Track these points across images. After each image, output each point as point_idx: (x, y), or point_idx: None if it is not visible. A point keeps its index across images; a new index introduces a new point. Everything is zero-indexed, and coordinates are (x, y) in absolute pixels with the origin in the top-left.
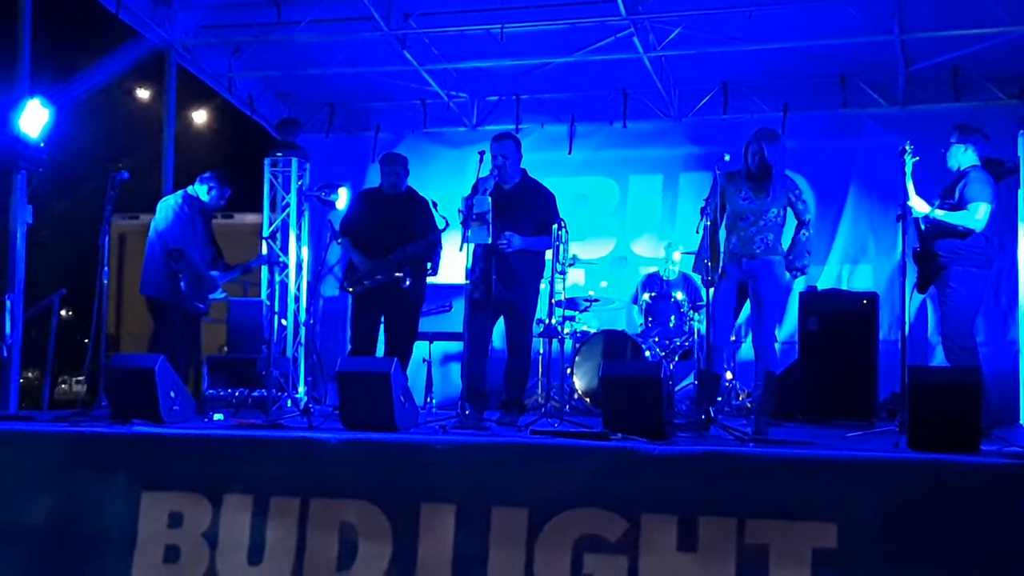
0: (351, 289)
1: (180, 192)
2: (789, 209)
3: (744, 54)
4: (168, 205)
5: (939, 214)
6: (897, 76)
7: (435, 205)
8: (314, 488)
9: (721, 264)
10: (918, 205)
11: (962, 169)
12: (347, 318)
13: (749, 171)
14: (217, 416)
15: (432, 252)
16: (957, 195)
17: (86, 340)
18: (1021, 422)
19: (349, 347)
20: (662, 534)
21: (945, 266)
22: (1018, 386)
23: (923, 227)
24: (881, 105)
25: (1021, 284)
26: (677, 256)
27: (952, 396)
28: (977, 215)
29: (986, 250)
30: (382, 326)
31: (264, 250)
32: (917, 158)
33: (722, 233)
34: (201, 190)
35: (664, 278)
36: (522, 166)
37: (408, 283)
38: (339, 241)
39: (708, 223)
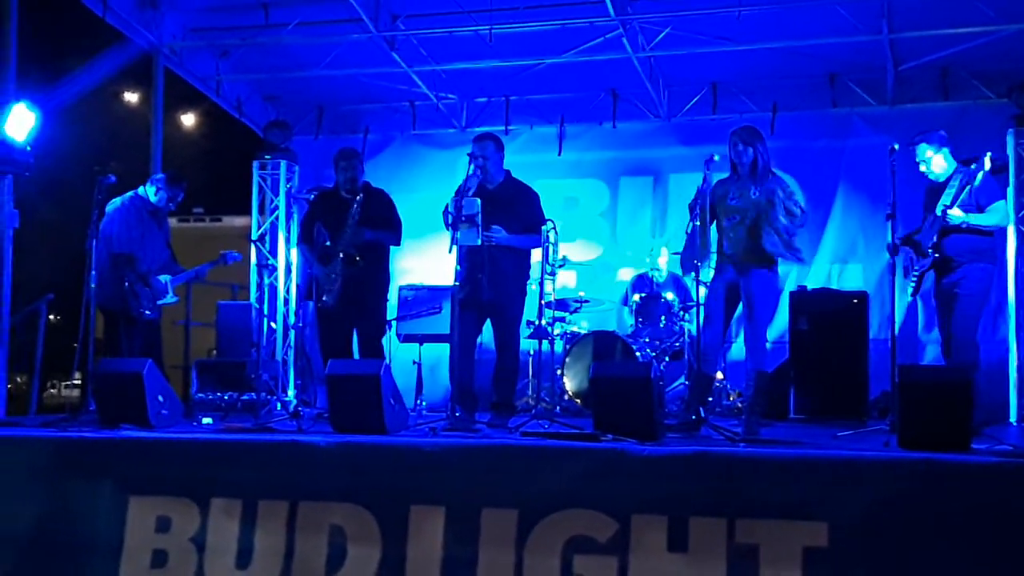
0: (318, 303)
1: (129, 193)
2: (781, 209)
3: (733, 54)
4: (116, 207)
5: (975, 219)
6: (886, 75)
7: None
8: (303, 491)
9: (713, 264)
10: (958, 215)
11: (950, 173)
12: None
13: (736, 171)
14: (206, 420)
15: (385, 234)
16: (973, 199)
17: (75, 345)
18: (1011, 420)
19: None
20: (652, 535)
21: (962, 263)
22: (1008, 384)
23: (933, 238)
24: (870, 104)
25: (1011, 282)
26: (663, 261)
27: (942, 394)
28: (1004, 212)
29: (994, 246)
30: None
31: (252, 254)
32: (987, 169)
33: (713, 235)
34: (150, 191)
35: (654, 279)
36: (511, 167)
37: (362, 266)
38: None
39: (698, 223)
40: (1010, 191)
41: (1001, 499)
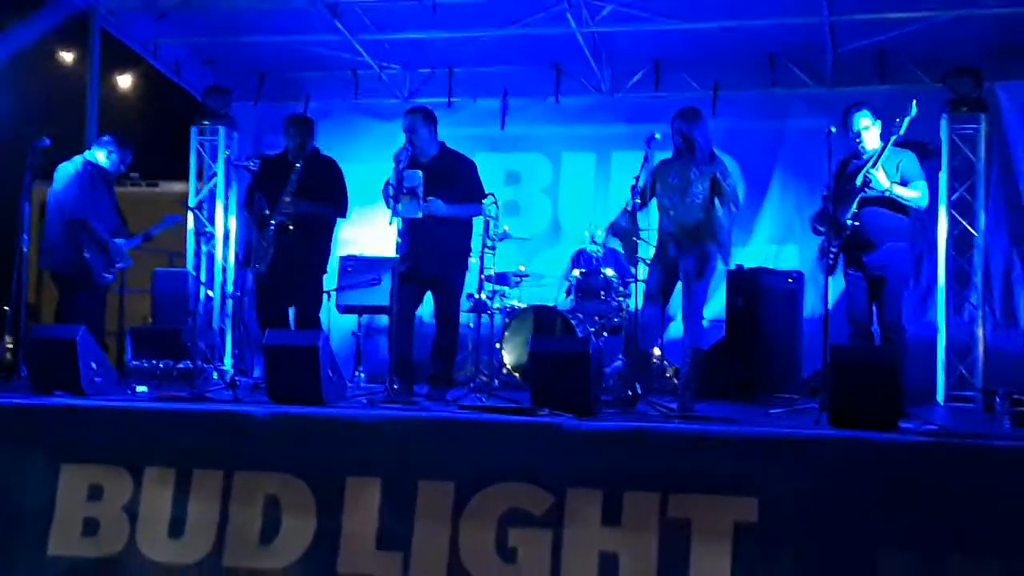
0: (253, 270)
1: (79, 158)
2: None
3: (676, 32)
4: (67, 172)
5: (897, 190)
6: (825, 57)
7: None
8: (238, 461)
9: (653, 242)
10: (882, 179)
11: (878, 148)
12: None
13: (676, 151)
14: (140, 388)
15: (325, 206)
16: (898, 172)
17: (5, 308)
18: (939, 400)
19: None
20: (587, 508)
21: (883, 242)
22: (935, 366)
23: (851, 209)
24: (809, 85)
25: (941, 266)
26: (600, 235)
27: (872, 375)
28: (925, 193)
29: (911, 226)
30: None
31: (190, 221)
32: (912, 115)
33: (654, 214)
34: (100, 154)
35: (593, 254)
36: (454, 140)
37: (292, 228)
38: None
39: (637, 201)
40: (943, 176)
41: (927, 477)
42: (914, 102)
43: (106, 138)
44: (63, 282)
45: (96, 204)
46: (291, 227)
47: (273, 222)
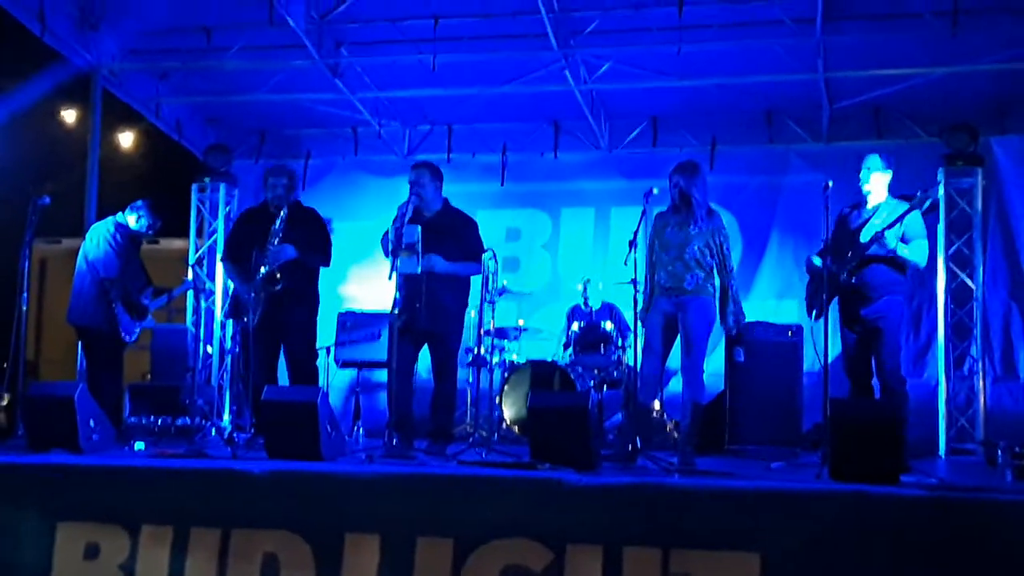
0: (239, 323)
1: (111, 220)
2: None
3: (673, 89)
4: (100, 234)
5: (901, 249)
6: (822, 113)
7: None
8: (236, 519)
9: (651, 297)
10: (891, 239)
11: (879, 203)
12: None
13: (673, 205)
14: (138, 445)
15: (310, 254)
16: (901, 229)
17: (4, 365)
18: (940, 454)
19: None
20: (587, 564)
21: (881, 295)
22: (937, 418)
23: (852, 264)
24: (806, 141)
25: (940, 319)
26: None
27: (873, 428)
28: (926, 252)
29: (907, 281)
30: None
31: (189, 276)
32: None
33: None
34: (131, 218)
35: (591, 309)
36: (454, 196)
37: (281, 286)
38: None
39: (636, 256)
40: (940, 229)
41: (928, 532)
42: (940, 186)
43: (139, 203)
44: (92, 338)
45: (127, 265)
46: (278, 275)
47: (262, 272)
